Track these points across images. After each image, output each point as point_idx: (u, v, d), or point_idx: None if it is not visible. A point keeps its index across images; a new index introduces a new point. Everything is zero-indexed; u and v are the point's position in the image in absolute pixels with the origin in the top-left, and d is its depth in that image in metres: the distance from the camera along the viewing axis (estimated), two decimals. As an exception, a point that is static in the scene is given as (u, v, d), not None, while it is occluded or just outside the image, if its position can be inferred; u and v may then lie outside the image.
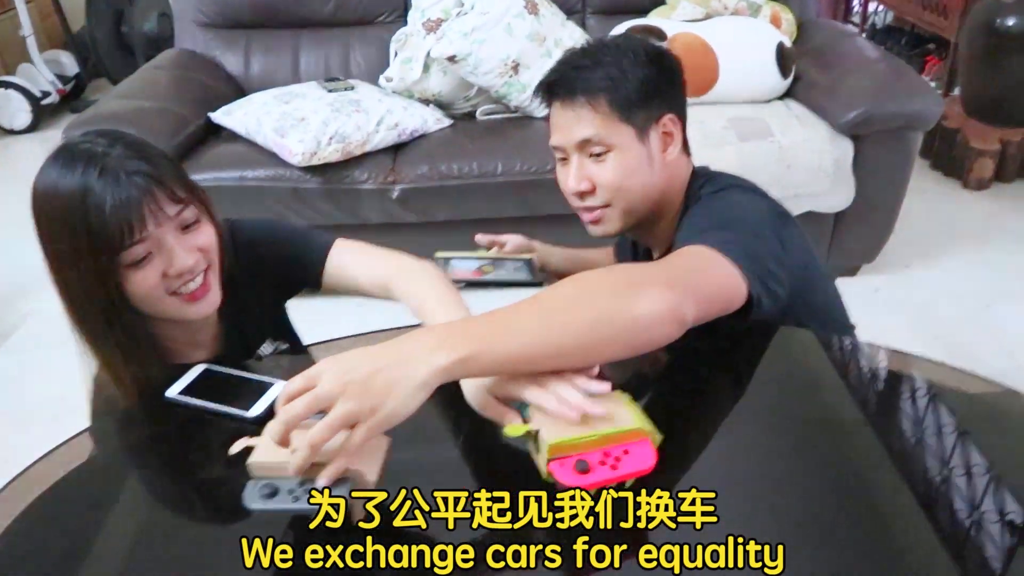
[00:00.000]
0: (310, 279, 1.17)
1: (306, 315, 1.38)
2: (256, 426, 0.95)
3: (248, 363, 1.20)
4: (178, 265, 1.00)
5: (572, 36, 2.78)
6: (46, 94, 4.51)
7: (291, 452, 0.74)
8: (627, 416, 0.78)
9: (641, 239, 1.30)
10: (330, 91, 2.65)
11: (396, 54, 2.88)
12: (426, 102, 2.80)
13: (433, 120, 2.69)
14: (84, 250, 0.96)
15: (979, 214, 3.15)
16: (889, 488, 0.79)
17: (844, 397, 0.98)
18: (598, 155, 1.14)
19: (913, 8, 3.77)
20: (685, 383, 1.00)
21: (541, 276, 1.32)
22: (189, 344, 1.15)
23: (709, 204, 1.11)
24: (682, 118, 1.19)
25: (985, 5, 3.15)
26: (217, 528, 0.88)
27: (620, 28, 2.72)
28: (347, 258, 1.16)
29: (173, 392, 1.03)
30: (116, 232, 0.95)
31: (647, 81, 1.13)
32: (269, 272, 1.18)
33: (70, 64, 4.77)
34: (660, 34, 2.62)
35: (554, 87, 1.16)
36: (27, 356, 2.58)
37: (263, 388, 1.02)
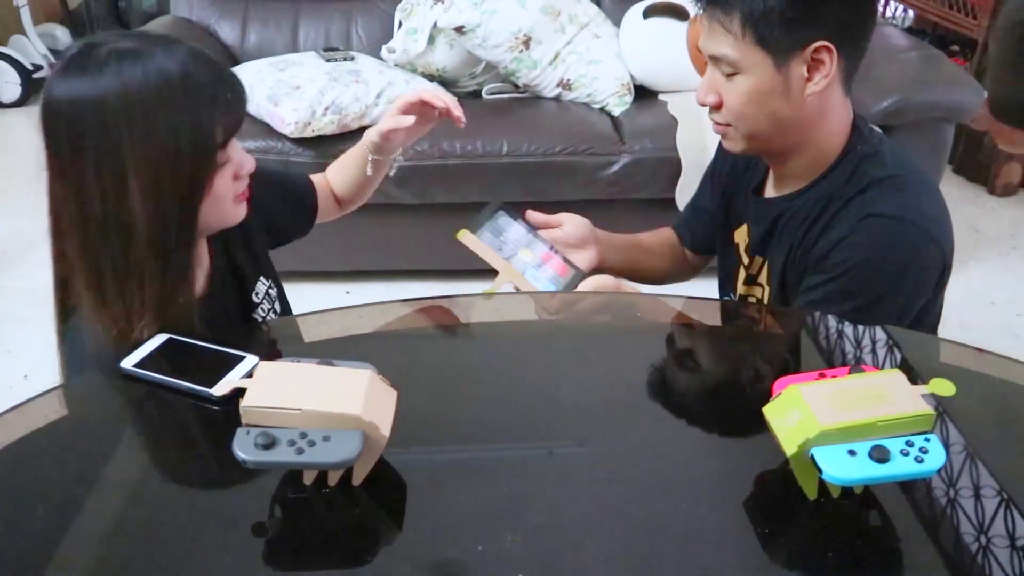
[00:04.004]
0: (305, 214, 1.22)
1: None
2: (219, 406, 0.86)
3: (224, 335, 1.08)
4: (249, 165, 0.96)
5: (587, 13, 2.61)
6: (38, 67, 4.36)
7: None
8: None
9: (773, 166, 1.21)
10: (328, 60, 2.51)
11: (400, 24, 2.73)
12: (430, 78, 2.65)
13: (436, 96, 2.54)
14: (185, 146, 0.85)
15: (1006, 221, 3.05)
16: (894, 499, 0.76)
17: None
18: (728, 74, 1.08)
19: (938, 7, 3.65)
20: (683, 385, 0.97)
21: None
22: None
23: (881, 232, 1.06)
24: (845, 48, 1.05)
25: (1017, 2, 3.01)
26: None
27: (640, 6, 2.58)
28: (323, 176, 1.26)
29: (129, 363, 0.92)
30: (231, 121, 0.88)
31: (794, 3, 1.01)
32: (265, 209, 1.11)
33: (65, 39, 4.61)
34: (682, 13, 2.48)
35: None
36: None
37: (232, 363, 0.91)
